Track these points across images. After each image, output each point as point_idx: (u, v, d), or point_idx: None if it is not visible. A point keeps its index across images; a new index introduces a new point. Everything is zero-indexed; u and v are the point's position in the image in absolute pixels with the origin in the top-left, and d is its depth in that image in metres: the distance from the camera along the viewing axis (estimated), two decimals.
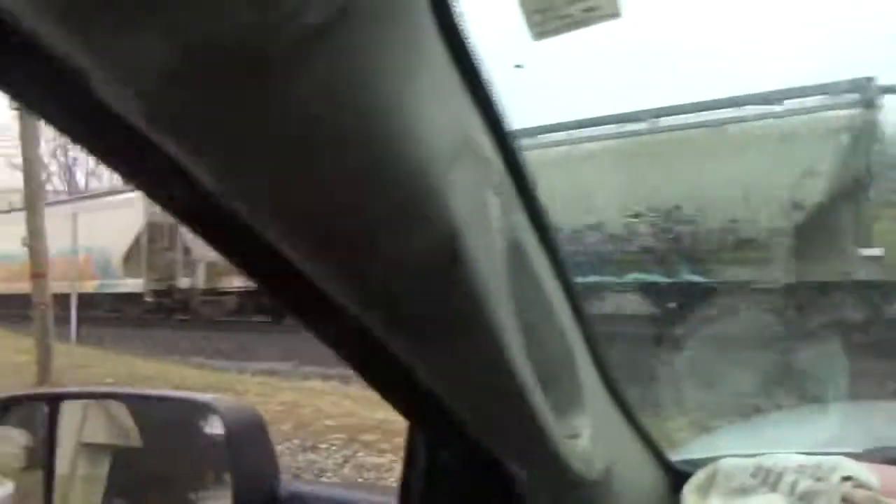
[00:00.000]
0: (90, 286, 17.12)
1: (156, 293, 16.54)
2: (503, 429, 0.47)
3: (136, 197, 15.86)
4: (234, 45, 0.25)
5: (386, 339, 0.40)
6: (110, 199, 17.86)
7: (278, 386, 7.49)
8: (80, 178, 53.22)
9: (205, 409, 0.75)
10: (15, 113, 8.00)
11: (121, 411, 0.90)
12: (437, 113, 0.32)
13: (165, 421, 0.84)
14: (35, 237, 7.70)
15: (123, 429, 0.91)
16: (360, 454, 4.74)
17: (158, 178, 0.35)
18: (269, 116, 0.28)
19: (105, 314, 17.66)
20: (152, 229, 16.32)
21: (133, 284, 16.80)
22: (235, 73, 0.26)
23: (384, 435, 5.15)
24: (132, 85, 0.26)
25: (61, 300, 16.82)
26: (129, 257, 16.99)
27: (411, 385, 0.46)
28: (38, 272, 7.63)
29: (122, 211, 16.42)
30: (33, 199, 8.07)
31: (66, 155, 51.54)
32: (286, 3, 0.24)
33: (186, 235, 14.95)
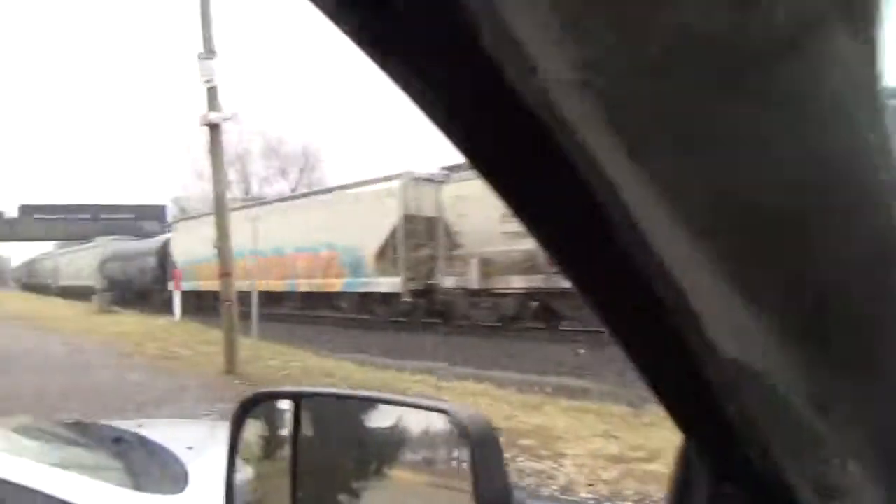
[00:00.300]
0: (337, 285, 16.54)
1: (413, 293, 14.90)
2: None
3: (392, 188, 15.08)
4: (712, 43, 0.25)
5: (775, 345, 0.38)
6: (359, 191, 16.55)
7: (436, 385, 7.67)
8: (255, 186, 58.25)
9: (443, 415, 0.77)
10: (205, 128, 8.87)
11: (356, 412, 0.95)
12: (867, 121, 0.31)
13: (398, 424, 0.88)
14: (222, 239, 8.42)
15: (355, 429, 0.96)
16: (519, 459, 4.74)
17: (539, 182, 0.37)
18: (730, 120, 0.28)
19: (349, 315, 16.85)
20: (410, 223, 14.86)
21: (388, 283, 15.17)
22: (706, 72, 0.26)
23: (542, 440, 5.11)
24: (586, 78, 0.27)
25: (306, 298, 16.62)
26: (383, 254, 15.35)
27: (702, 398, 0.44)
28: (224, 272, 8.37)
29: (375, 204, 15.22)
30: (220, 205, 8.81)
31: (242, 165, 56.66)
32: (767, 7, 0.25)
33: (453, 228, 14.02)
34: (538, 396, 7.78)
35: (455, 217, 13.77)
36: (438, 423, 0.79)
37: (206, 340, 11.26)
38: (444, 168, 14.94)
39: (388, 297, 15.34)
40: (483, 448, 0.73)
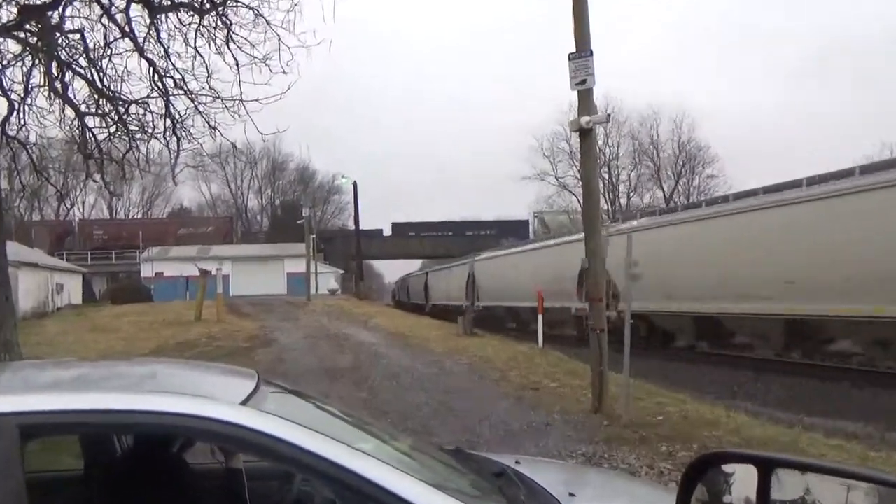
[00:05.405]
0: None
1: None
2: None
3: None
4: None
5: None
6: None
7: (863, 454, 6.71)
8: (622, 197, 59.23)
9: None
10: (575, 135, 9.22)
11: (858, 494, 0.82)
12: None
13: None
14: (593, 258, 8.45)
15: None
16: None
17: None
18: None
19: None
20: None
21: None
22: None
23: None
24: None
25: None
26: None
27: None
28: (594, 297, 8.43)
29: None
30: (592, 219, 8.88)
31: (609, 174, 58.12)
32: None
33: None
34: None
35: None
36: None
37: (570, 371, 11.69)
38: None
39: None
40: None
